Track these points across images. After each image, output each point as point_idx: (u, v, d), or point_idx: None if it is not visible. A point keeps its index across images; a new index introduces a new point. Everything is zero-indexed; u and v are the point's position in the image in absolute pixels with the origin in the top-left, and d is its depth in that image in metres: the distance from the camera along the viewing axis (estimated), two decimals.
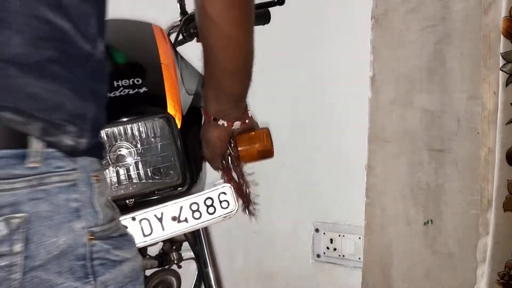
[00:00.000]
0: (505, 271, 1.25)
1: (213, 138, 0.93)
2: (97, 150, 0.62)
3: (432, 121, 1.42)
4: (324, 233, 1.76)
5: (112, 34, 0.91)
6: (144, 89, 0.84)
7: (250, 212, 1.00)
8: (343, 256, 1.73)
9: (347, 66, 1.65)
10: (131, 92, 0.84)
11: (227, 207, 0.94)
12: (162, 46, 0.97)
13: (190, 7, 1.21)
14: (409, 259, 1.48)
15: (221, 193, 0.94)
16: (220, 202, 0.94)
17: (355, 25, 1.61)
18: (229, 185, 0.95)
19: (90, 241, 0.57)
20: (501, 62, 1.20)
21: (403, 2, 1.44)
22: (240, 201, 0.98)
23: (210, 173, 1.03)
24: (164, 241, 1.13)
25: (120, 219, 0.64)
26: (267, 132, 0.96)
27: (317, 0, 1.71)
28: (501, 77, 1.21)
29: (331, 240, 1.75)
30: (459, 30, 1.37)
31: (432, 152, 1.43)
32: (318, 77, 1.73)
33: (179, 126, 0.88)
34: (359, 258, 1.61)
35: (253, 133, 0.94)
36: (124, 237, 0.63)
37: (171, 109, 0.88)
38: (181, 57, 1.09)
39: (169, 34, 1.19)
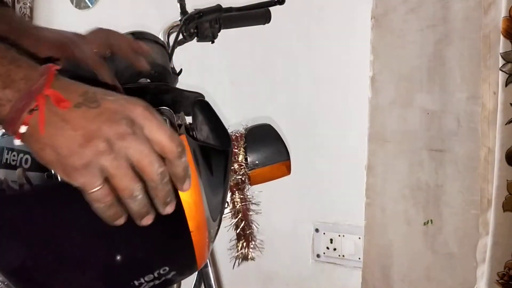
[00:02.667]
0: (505, 271, 1.25)
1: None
2: None
3: (432, 121, 1.42)
4: (324, 233, 1.76)
5: None
6: (172, 273, 0.65)
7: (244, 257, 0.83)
8: (343, 256, 1.73)
9: (347, 66, 1.65)
10: (157, 283, 0.64)
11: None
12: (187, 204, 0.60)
13: (190, 7, 1.21)
14: (409, 259, 1.48)
15: None
16: None
17: (355, 25, 1.61)
18: None
19: None
20: (501, 62, 1.20)
21: (403, 2, 1.44)
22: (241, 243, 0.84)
23: None
24: None
25: None
26: (288, 166, 0.82)
27: (317, 0, 1.71)
28: (501, 77, 1.21)
29: (331, 240, 1.75)
30: (459, 30, 1.37)
31: (432, 152, 1.43)
32: (318, 77, 1.73)
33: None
34: (359, 258, 1.61)
35: (269, 170, 0.81)
36: None
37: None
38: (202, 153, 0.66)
39: (169, 34, 1.18)
